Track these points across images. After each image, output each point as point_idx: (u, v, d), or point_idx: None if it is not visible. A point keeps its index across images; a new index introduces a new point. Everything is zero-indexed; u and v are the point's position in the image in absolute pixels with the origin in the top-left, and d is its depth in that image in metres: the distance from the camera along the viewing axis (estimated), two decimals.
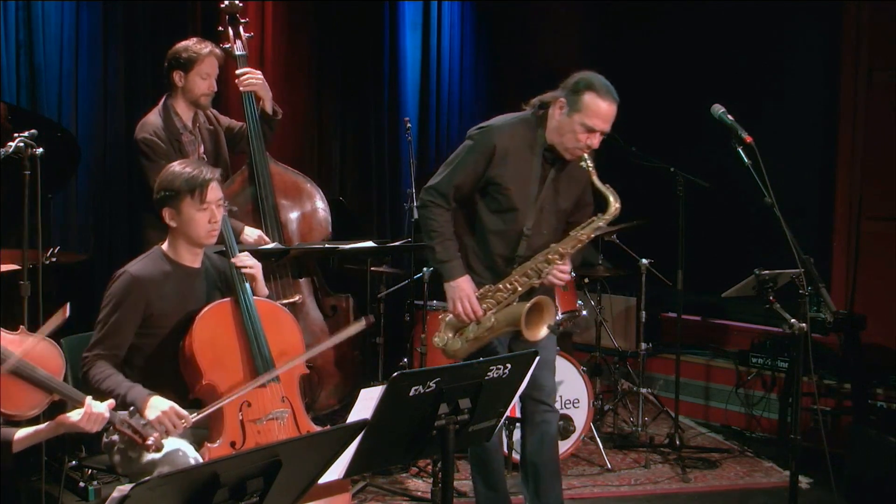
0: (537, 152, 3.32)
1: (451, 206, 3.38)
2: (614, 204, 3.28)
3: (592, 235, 3.35)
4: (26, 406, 2.52)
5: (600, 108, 3.17)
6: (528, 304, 3.26)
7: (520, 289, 3.34)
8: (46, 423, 2.57)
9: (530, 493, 3.54)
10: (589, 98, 3.18)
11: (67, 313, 2.57)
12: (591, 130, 3.19)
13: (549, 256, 3.33)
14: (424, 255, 3.67)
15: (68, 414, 2.55)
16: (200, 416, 2.81)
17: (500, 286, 3.35)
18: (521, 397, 3.49)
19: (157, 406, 2.76)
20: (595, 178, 3.28)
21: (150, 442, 2.62)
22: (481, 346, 3.38)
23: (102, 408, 2.56)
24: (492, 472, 3.52)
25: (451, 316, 3.40)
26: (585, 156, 3.26)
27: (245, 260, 3.12)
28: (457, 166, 3.35)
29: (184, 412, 2.78)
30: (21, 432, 2.56)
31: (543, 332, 3.31)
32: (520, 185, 3.33)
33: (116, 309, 2.89)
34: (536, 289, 3.39)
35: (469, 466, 4.50)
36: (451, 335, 3.40)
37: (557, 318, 3.44)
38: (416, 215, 4.58)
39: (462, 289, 3.33)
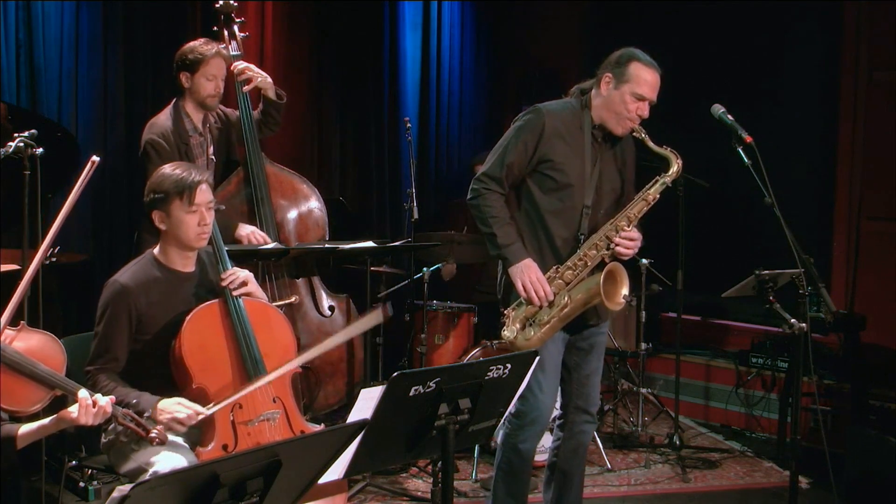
0: (586, 132, 3.31)
1: (505, 191, 3.29)
2: (676, 161, 3.31)
3: (658, 196, 3.32)
4: (27, 402, 2.52)
5: (647, 77, 3.23)
6: (603, 273, 3.17)
7: (589, 263, 3.25)
8: (49, 419, 2.56)
9: (553, 498, 3.51)
10: (635, 68, 3.23)
11: None
12: (640, 99, 3.23)
13: (618, 223, 3.27)
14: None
15: (69, 409, 2.54)
16: (213, 409, 2.80)
17: (569, 263, 3.26)
18: (563, 404, 3.49)
19: (166, 408, 2.77)
20: (651, 143, 3.30)
21: (153, 434, 2.62)
22: (556, 331, 3.28)
23: (104, 401, 2.55)
24: (520, 483, 3.45)
25: (518, 307, 3.27)
26: (637, 126, 3.29)
27: (235, 280, 3.00)
28: (507, 147, 3.29)
29: (192, 405, 2.77)
30: (24, 428, 2.55)
31: (622, 301, 3.26)
32: (573, 161, 3.29)
33: (107, 320, 2.88)
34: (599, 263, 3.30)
35: (468, 466, 4.54)
36: (519, 326, 3.27)
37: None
38: (416, 215, 4.59)
39: (530, 268, 3.22)
